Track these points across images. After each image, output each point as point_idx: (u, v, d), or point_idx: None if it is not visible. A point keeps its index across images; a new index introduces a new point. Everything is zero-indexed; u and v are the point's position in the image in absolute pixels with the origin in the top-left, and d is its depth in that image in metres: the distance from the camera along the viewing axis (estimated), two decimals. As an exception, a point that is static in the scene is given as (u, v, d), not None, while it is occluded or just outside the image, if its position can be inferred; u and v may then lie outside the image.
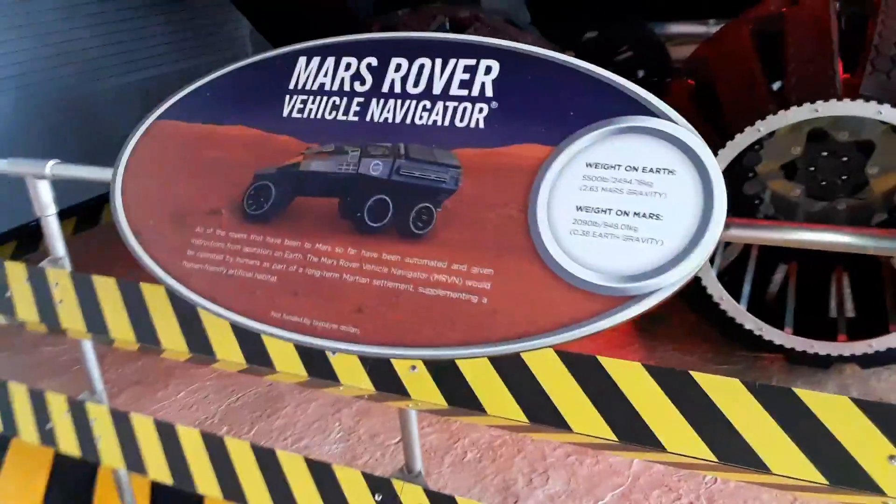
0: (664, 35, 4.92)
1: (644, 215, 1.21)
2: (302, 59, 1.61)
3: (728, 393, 1.30)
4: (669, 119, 1.25)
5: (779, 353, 2.95)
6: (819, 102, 2.32)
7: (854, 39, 2.53)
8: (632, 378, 1.36)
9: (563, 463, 2.65)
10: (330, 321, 1.35)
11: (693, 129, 1.23)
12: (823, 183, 3.06)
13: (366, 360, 1.56)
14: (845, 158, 2.95)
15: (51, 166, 1.93)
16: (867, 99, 2.30)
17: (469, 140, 1.38)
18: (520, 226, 1.28)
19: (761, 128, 2.42)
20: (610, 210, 1.23)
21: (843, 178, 3.00)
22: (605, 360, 1.38)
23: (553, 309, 1.21)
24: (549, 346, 1.19)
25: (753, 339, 2.88)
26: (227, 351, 1.72)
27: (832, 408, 1.23)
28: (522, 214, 1.29)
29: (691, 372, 1.32)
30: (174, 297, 1.81)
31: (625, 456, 1.89)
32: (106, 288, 1.93)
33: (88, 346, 2.22)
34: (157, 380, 3.55)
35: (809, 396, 1.24)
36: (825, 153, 2.98)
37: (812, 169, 3.04)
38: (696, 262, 1.15)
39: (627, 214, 1.22)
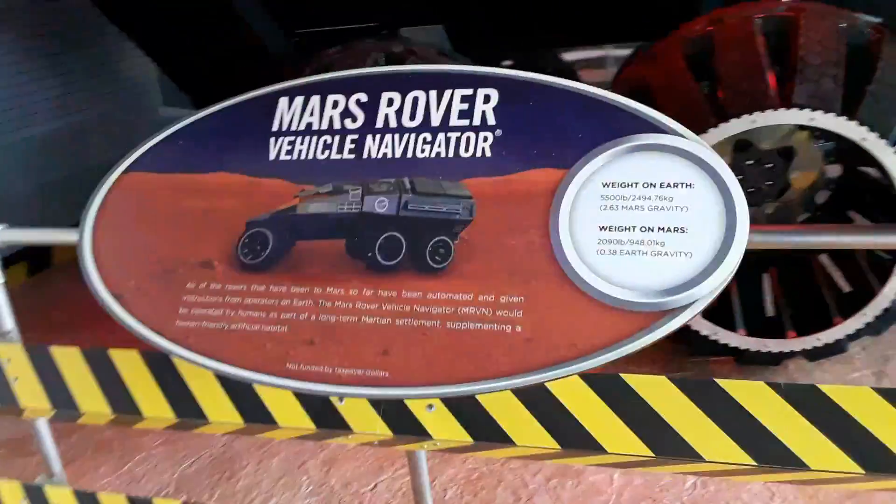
0: (572, 62, 5.12)
1: (669, 229, 1.23)
2: (283, 100, 1.56)
3: (755, 395, 1.33)
4: (679, 135, 1.28)
5: (730, 355, 3.06)
6: (756, 113, 2.45)
7: (776, 54, 2.69)
8: (659, 392, 1.37)
9: (546, 488, 2.64)
10: (355, 367, 1.29)
11: (704, 142, 1.26)
12: (751, 189, 3.21)
13: (378, 404, 1.50)
14: (769, 165, 3.12)
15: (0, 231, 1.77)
16: (801, 107, 2.45)
17: (477, 169, 1.37)
18: (544, 250, 1.27)
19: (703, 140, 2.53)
20: (634, 227, 1.25)
21: (769, 183, 3.17)
22: (629, 377, 1.38)
23: (591, 331, 1.20)
24: (593, 369, 1.18)
25: (707, 343, 2.97)
26: (220, 411, 1.62)
27: (857, 399, 1.28)
28: (545, 239, 1.28)
29: (717, 380, 1.35)
30: (153, 361, 1.69)
31: (662, 471, 1.89)
32: (68, 359, 1.78)
33: (44, 425, 2.04)
34: (95, 454, 3.30)
35: (835, 391, 1.28)
36: (750, 161, 3.14)
37: (740, 177, 3.19)
38: (727, 271, 1.18)
39: (653, 230, 1.23)
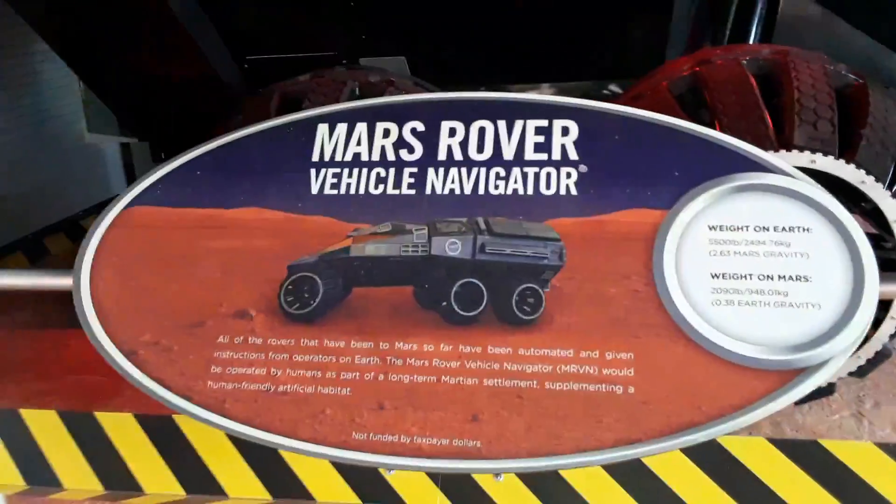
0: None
1: (791, 278, 1.12)
2: (322, 127, 1.38)
3: (860, 455, 1.23)
4: (788, 174, 1.18)
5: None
6: (758, 155, 2.43)
7: (764, 97, 2.69)
8: (757, 453, 1.25)
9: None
10: (439, 436, 1.11)
11: (817, 184, 1.17)
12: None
13: (436, 475, 1.32)
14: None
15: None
16: (801, 150, 2.44)
17: (562, 209, 1.23)
18: (650, 300, 1.14)
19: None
20: (751, 275, 1.13)
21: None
22: (725, 440, 1.26)
23: (718, 392, 1.07)
24: (724, 435, 1.05)
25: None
26: (241, 484, 1.39)
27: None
28: (650, 287, 1.15)
29: (820, 440, 1.24)
30: (152, 425, 1.44)
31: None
32: (44, 424, 1.51)
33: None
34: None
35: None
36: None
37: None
38: (862, 324, 1.07)
39: (772, 278, 1.12)
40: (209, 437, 1.41)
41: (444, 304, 1.19)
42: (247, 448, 1.37)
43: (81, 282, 1.32)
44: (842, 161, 2.46)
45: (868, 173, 2.47)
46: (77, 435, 1.48)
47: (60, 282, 1.35)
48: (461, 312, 1.18)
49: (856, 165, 2.47)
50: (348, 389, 1.16)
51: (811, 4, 3.16)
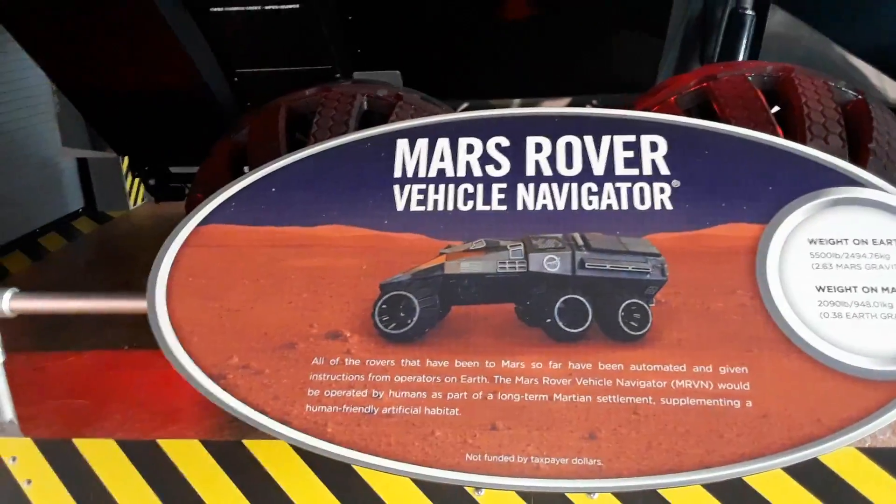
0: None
1: (894, 290, 1.14)
2: (402, 143, 1.36)
3: None
4: (880, 188, 1.21)
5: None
6: (775, 168, 2.48)
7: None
8: (849, 463, 1.27)
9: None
10: (556, 455, 1.09)
11: None
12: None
13: (528, 496, 1.30)
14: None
15: (8, 299, 1.40)
16: (816, 163, 2.50)
17: (659, 224, 1.23)
18: (759, 314, 1.15)
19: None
20: (855, 287, 1.15)
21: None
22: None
23: (835, 404, 1.08)
24: (849, 446, 1.06)
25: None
26: None
27: None
28: (756, 301, 1.16)
29: None
30: (217, 450, 1.39)
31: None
32: (100, 453, 1.44)
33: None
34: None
35: None
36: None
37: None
38: None
39: (876, 290, 1.14)
40: (196, 462, 1.37)
41: (549, 320, 1.18)
42: (235, 474, 1.34)
43: (157, 304, 1.27)
44: (853, 175, 2.53)
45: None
46: (55, 463, 1.42)
47: (134, 305, 1.30)
48: (567, 329, 1.17)
49: (867, 179, 2.54)
50: (457, 410, 1.14)
51: (796, 22, 3.26)
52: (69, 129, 5.48)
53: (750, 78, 2.87)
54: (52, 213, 4.76)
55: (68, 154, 5.51)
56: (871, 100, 2.80)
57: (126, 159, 4.84)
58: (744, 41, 3.33)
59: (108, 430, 1.69)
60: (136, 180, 5.32)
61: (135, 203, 5.20)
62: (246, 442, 1.39)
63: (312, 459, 1.36)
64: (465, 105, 4.83)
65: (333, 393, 1.17)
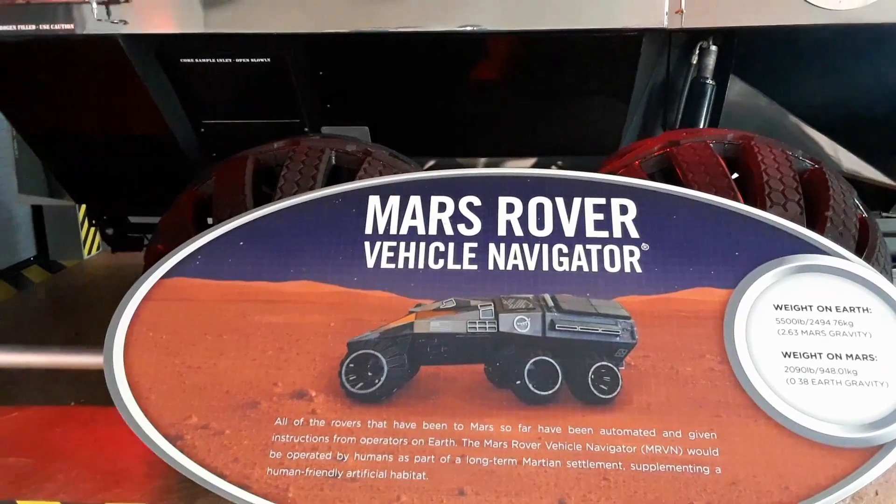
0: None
1: (858, 357, 1.16)
2: (373, 199, 1.35)
3: None
4: (841, 256, 1.24)
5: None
6: (735, 233, 2.54)
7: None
8: None
9: None
10: None
11: (870, 266, 1.23)
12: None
13: None
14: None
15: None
16: (774, 229, 2.56)
17: (629, 286, 1.24)
18: (727, 379, 1.15)
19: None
20: (820, 354, 1.16)
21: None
22: None
23: (803, 471, 1.08)
24: None
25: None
26: None
27: None
28: (724, 366, 1.16)
29: None
30: None
31: None
32: None
33: None
34: None
35: None
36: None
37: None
38: None
39: (840, 357, 1.16)
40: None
41: (518, 382, 1.17)
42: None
43: (114, 358, 1.22)
44: (810, 242, 2.60)
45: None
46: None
47: (89, 360, 1.25)
48: (537, 391, 1.16)
49: (823, 247, 2.61)
50: (424, 474, 1.11)
51: (755, 92, 3.38)
52: (26, 176, 5.37)
53: (712, 145, 2.95)
54: (1, 262, 4.62)
55: (24, 201, 5.39)
56: (828, 169, 2.90)
57: (83, 207, 4.74)
58: (704, 109, 3.44)
59: (51, 492, 1.61)
60: (93, 229, 5.20)
61: (89, 252, 5.07)
62: (199, 506, 1.33)
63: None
64: (431, 162, 4.89)
65: (296, 455, 1.13)
